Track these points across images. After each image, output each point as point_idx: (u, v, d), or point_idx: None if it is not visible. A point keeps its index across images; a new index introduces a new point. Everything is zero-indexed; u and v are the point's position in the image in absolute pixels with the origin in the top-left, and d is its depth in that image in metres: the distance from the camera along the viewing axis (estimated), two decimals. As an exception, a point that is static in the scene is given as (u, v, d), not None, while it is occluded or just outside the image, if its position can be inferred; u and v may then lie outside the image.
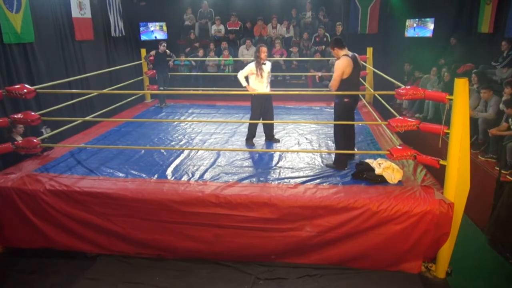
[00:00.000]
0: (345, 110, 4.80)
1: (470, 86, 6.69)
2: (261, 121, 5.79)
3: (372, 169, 4.39)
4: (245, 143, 5.93)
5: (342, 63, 4.57)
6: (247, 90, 5.62)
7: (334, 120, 4.90)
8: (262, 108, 5.70)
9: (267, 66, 5.64)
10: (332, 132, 5.11)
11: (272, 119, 5.93)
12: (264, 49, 5.53)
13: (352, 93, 4.73)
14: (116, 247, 4.41)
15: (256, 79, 5.57)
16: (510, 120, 5.40)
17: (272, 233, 4.15)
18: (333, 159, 4.98)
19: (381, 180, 4.32)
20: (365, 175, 4.40)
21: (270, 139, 6.02)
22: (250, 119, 5.84)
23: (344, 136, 4.92)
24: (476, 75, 6.88)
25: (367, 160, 4.59)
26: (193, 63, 10.09)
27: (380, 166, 4.36)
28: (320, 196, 4.10)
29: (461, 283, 4.14)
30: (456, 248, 4.04)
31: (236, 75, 5.80)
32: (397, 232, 3.95)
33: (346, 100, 4.72)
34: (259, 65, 5.51)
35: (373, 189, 4.23)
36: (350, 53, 4.66)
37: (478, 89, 6.36)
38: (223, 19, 11.03)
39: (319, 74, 5.76)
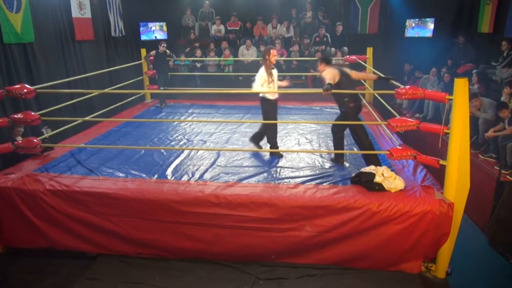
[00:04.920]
0: (353, 113, 4.89)
1: (471, 86, 6.70)
2: (263, 121, 5.72)
3: (371, 179, 4.23)
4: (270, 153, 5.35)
5: (327, 71, 4.85)
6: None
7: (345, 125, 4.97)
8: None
9: (275, 71, 5.20)
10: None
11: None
12: (275, 51, 5.09)
13: (351, 91, 4.75)
14: (116, 247, 4.41)
15: (268, 87, 5.05)
16: (505, 120, 5.43)
17: (272, 233, 4.14)
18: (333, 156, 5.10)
19: (378, 188, 4.16)
20: (363, 184, 4.28)
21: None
22: (269, 126, 5.27)
23: (365, 133, 4.95)
24: (476, 75, 6.89)
25: (371, 167, 4.42)
26: (197, 64, 10.09)
27: (383, 175, 4.22)
28: (320, 196, 4.10)
29: (461, 283, 4.15)
30: (456, 248, 4.04)
31: (238, 76, 5.74)
32: (397, 232, 3.95)
33: (351, 105, 4.81)
34: (269, 69, 5.01)
35: (373, 189, 4.22)
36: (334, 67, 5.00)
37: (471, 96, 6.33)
38: (223, 19, 11.03)
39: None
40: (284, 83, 5.47)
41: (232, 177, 4.62)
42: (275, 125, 5.32)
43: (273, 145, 5.37)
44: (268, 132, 5.35)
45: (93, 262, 4.33)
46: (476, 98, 6.01)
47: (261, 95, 5.14)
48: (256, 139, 5.54)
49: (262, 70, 5.04)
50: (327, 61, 5.06)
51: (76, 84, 7.27)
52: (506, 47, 7.10)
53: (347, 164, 5.04)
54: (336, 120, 5.16)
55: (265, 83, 5.01)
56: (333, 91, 4.69)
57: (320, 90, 4.61)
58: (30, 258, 4.44)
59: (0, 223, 4.51)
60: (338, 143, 5.15)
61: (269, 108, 5.20)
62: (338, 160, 5.10)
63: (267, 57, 5.00)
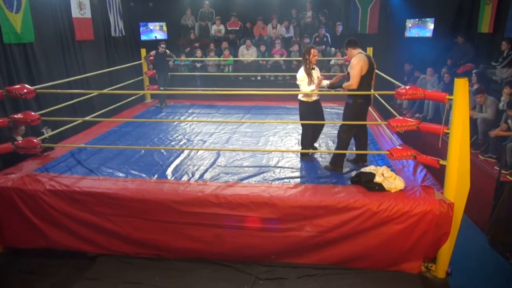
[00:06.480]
0: (358, 112, 4.74)
1: (470, 86, 6.69)
2: (254, 121, 5.74)
3: (371, 179, 4.23)
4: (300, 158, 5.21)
5: (358, 59, 4.55)
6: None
7: (343, 120, 4.81)
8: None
9: (317, 71, 4.98)
10: (332, 131, 5.11)
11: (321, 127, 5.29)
12: (315, 51, 4.84)
13: (356, 93, 4.71)
14: (116, 247, 4.41)
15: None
16: (509, 121, 5.40)
17: (272, 233, 4.15)
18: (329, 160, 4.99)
19: (378, 188, 4.15)
20: (363, 184, 4.28)
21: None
22: (302, 127, 5.17)
23: (348, 139, 4.84)
24: (476, 75, 6.88)
25: (371, 167, 4.43)
26: (197, 65, 10.09)
27: (383, 175, 4.22)
28: (320, 196, 4.11)
29: (461, 283, 4.14)
30: (456, 248, 4.05)
31: (238, 76, 5.64)
32: (397, 232, 3.95)
33: (360, 101, 4.64)
34: (308, 70, 4.82)
35: (373, 189, 4.21)
36: (364, 53, 4.67)
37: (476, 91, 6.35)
38: (223, 19, 11.03)
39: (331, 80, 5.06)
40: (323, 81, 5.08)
41: (232, 177, 4.62)
42: (307, 127, 5.08)
43: (304, 147, 5.19)
44: (302, 133, 5.22)
45: (93, 262, 4.33)
46: (482, 93, 6.00)
47: (298, 96, 4.99)
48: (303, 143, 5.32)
49: (301, 71, 4.88)
50: (354, 43, 4.67)
51: (76, 84, 7.26)
52: (506, 47, 7.09)
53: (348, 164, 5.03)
54: (343, 116, 4.89)
55: (303, 82, 4.88)
56: (334, 92, 4.66)
57: (319, 92, 4.56)
58: (30, 258, 4.44)
59: (0, 223, 4.52)
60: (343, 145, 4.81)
61: (304, 110, 5.04)
62: (336, 166, 4.85)
63: (307, 57, 4.80)
